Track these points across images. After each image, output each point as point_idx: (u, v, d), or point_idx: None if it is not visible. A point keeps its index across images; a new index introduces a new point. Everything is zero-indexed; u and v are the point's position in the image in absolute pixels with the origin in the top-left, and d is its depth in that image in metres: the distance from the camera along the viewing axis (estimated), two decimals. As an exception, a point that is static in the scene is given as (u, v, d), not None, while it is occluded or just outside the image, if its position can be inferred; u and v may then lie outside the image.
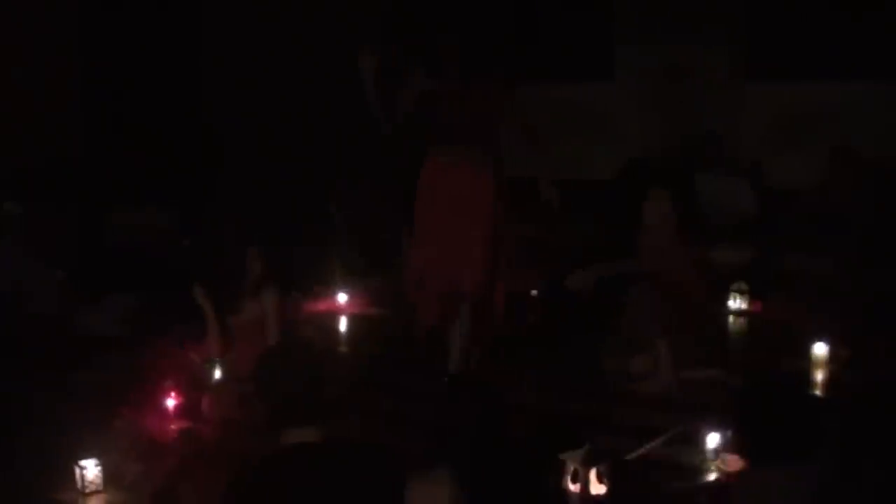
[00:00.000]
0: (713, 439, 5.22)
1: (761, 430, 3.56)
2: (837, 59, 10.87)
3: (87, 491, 5.15)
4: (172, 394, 6.15)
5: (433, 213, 6.35)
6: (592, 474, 4.80)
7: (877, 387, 5.54)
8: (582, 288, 8.01)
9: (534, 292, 7.99)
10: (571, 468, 4.83)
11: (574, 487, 4.82)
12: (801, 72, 11.10)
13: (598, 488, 4.81)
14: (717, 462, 5.18)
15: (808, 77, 11.05)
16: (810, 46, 11.03)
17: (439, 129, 6.31)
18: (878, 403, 4.08)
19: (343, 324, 8.07)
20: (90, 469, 5.16)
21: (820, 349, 6.55)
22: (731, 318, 7.76)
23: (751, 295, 7.80)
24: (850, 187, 8.84)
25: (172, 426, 5.97)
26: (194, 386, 6.33)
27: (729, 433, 5.04)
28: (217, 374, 6.41)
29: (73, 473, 5.17)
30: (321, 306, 8.38)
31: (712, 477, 5.13)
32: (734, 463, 4.97)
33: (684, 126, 11.64)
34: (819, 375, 6.44)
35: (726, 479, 4.99)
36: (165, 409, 6.10)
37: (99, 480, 5.17)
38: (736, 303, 7.79)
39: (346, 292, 8.30)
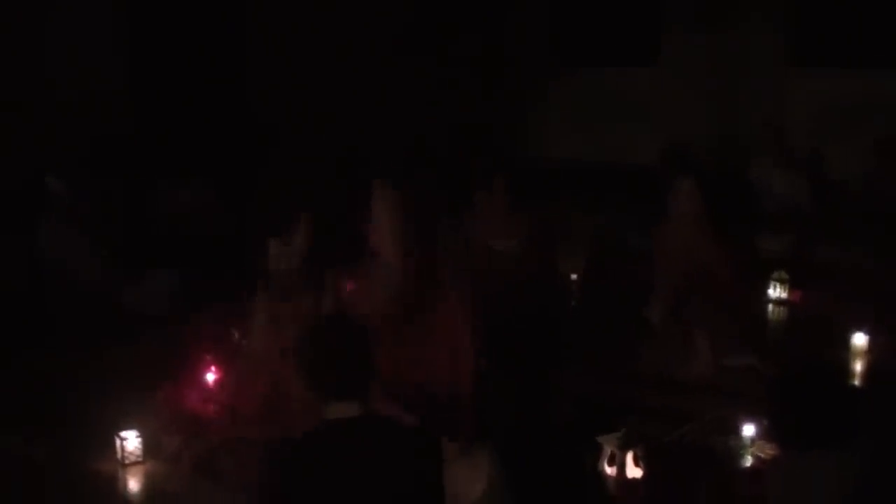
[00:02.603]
0: (749, 426, 5.22)
1: (798, 419, 3.56)
2: (885, 48, 10.81)
3: (128, 462, 5.23)
4: (213, 368, 6.21)
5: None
6: (629, 458, 4.82)
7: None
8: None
9: (574, 276, 7.99)
10: (608, 451, 4.85)
11: (610, 470, 4.84)
12: (848, 61, 11.04)
13: (634, 472, 4.83)
14: (753, 449, 5.18)
15: (855, 66, 10.99)
16: (858, 35, 10.97)
17: None
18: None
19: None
20: (131, 440, 5.23)
21: (859, 339, 6.52)
22: (770, 307, 7.73)
23: (791, 284, 7.76)
24: (894, 178, 8.79)
25: (212, 400, 6.02)
26: (234, 361, 6.38)
27: (765, 421, 5.03)
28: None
29: (113, 444, 5.25)
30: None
31: (748, 463, 5.13)
32: (770, 450, 4.98)
33: (730, 114, 11.62)
34: (858, 366, 6.41)
35: (761, 466, 4.99)
36: (206, 384, 6.17)
37: (139, 452, 5.25)
38: (776, 291, 7.75)
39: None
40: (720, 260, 6.75)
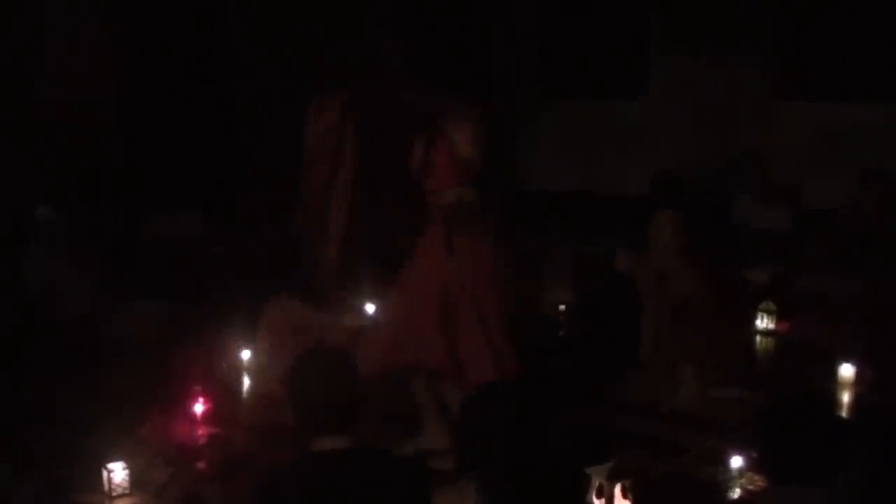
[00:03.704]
0: (737, 458, 5.22)
1: (785, 450, 3.56)
2: (872, 79, 10.87)
3: (115, 494, 5.19)
4: (201, 399, 6.20)
5: None
6: (617, 489, 4.80)
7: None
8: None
9: (562, 307, 7.99)
10: (597, 483, 4.84)
11: (598, 502, 4.83)
12: (836, 92, 11.10)
13: (622, 504, 4.83)
14: (742, 481, 5.19)
15: (843, 97, 11.05)
16: (846, 67, 11.03)
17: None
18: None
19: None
20: (118, 472, 5.20)
21: (846, 370, 6.54)
22: (757, 338, 7.74)
23: (778, 315, 7.78)
24: (880, 208, 8.82)
25: (200, 431, 6.01)
26: (223, 392, 6.37)
27: (753, 453, 5.03)
28: (247, 380, 6.46)
29: (100, 476, 5.22)
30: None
31: (736, 495, 5.14)
32: (758, 482, 4.98)
33: (719, 144, 11.65)
34: (845, 396, 6.43)
35: (750, 499, 4.99)
36: (193, 415, 6.15)
37: (126, 484, 5.22)
38: (763, 322, 7.78)
39: (374, 303, 8.20)
40: (704, 290, 6.76)
